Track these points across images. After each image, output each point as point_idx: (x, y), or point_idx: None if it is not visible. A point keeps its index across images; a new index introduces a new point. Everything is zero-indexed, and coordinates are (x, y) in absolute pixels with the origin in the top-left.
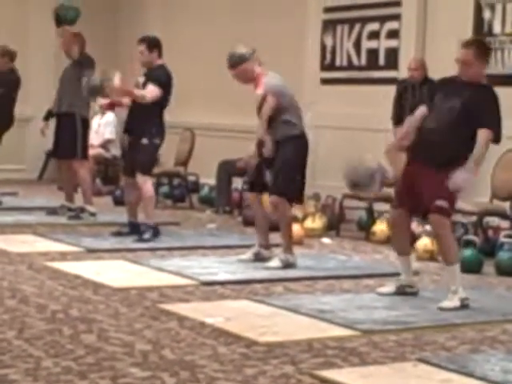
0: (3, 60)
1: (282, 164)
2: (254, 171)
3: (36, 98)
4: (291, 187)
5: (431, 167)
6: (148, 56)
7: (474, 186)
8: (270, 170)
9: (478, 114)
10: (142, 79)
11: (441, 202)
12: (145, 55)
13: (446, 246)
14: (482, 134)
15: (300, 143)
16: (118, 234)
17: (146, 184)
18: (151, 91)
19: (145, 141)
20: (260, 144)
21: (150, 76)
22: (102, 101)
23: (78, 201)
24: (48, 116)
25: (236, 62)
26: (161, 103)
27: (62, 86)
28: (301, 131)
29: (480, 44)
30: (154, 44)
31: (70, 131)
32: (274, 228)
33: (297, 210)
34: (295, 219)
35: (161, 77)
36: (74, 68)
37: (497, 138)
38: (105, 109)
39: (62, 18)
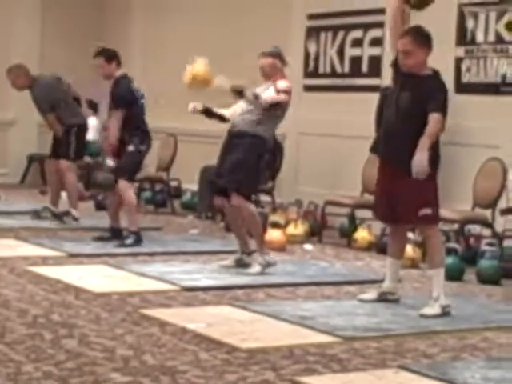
0: None
1: (234, 158)
2: (214, 176)
3: (18, 102)
4: (244, 183)
5: (397, 168)
6: (108, 69)
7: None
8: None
9: (426, 103)
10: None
11: (424, 211)
12: (104, 69)
13: (436, 250)
14: (432, 118)
15: (260, 142)
16: (100, 239)
17: (128, 191)
18: (117, 119)
19: (131, 148)
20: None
21: (113, 96)
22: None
23: (62, 206)
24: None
25: (273, 53)
26: (135, 115)
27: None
28: (271, 136)
29: (417, 32)
30: (110, 56)
31: (65, 135)
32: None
33: (279, 217)
34: (277, 225)
35: (123, 96)
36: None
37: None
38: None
39: None
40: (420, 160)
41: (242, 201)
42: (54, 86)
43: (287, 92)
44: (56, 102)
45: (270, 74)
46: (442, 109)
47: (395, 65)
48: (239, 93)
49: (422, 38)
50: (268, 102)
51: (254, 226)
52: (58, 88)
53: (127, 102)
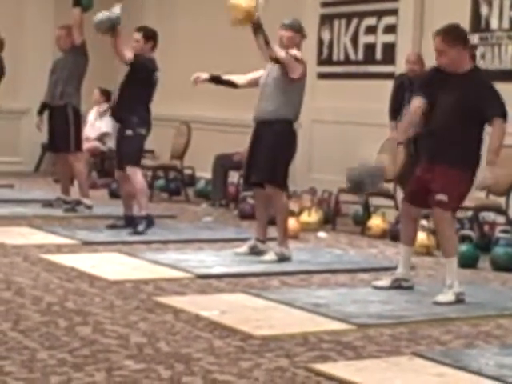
0: None
1: (268, 152)
2: (246, 167)
3: (31, 90)
4: (279, 175)
5: (443, 164)
6: (143, 46)
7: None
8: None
9: (481, 107)
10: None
11: (440, 196)
12: (140, 44)
13: (445, 238)
14: (495, 125)
15: (288, 129)
16: (114, 226)
17: (136, 175)
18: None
19: (129, 132)
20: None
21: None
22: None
23: (74, 194)
24: (42, 109)
25: (298, 28)
26: (145, 95)
27: (53, 76)
28: (294, 119)
29: (448, 30)
30: (150, 35)
31: (62, 124)
32: (270, 222)
33: (293, 204)
34: (291, 213)
35: (146, 66)
36: (66, 58)
37: (506, 120)
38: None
39: (80, 2)
40: (489, 177)
41: (276, 191)
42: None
43: (298, 60)
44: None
45: (287, 47)
46: (502, 109)
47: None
48: (257, 27)
49: (453, 36)
50: (277, 53)
51: (282, 217)
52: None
53: (148, 72)
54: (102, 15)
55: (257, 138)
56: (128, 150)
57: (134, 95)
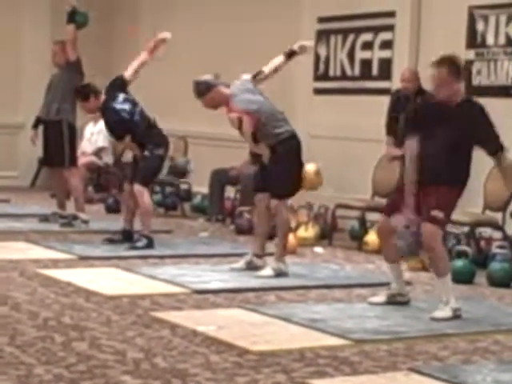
0: None
1: (277, 169)
2: (257, 176)
3: (28, 105)
4: (289, 190)
5: (432, 184)
6: (89, 105)
7: None
8: (266, 175)
9: (480, 143)
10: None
11: (435, 213)
12: (86, 106)
13: (437, 258)
14: (502, 160)
15: (291, 145)
16: (111, 240)
17: (143, 196)
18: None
19: (146, 153)
20: (257, 154)
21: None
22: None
23: (70, 208)
24: (37, 124)
25: (203, 90)
26: (136, 128)
27: (49, 92)
28: (289, 133)
29: (453, 61)
30: (86, 94)
31: (57, 139)
32: (268, 237)
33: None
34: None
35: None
36: (61, 74)
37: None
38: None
39: (74, 18)
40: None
41: (282, 206)
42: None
43: (248, 113)
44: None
45: (218, 105)
46: (498, 140)
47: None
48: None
49: (456, 68)
50: (249, 134)
51: (284, 232)
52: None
53: (124, 130)
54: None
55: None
56: (142, 168)
57: (134, 134)
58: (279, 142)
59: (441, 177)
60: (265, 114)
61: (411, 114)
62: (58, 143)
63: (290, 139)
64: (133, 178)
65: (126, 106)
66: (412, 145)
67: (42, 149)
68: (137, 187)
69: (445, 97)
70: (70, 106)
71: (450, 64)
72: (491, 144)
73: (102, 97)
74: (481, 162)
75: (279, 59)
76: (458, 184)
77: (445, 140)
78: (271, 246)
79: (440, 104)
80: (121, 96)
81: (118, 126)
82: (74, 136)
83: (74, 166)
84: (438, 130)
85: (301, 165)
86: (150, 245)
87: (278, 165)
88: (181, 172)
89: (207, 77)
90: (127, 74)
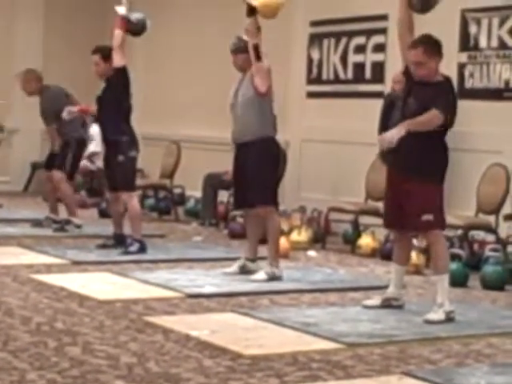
0: None
1: (253, 173)
2: (235, 191)
3: (21, 109)
4: (270, 193)
5: (407, 176)
6: (103, 66)
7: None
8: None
9: (430, 105)
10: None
11: (426, 217)
12: (100, 66)
13: (438, 256)
14: (430, 112)
15: (269, 145)
16: (104, 246)
17: (132, 200)
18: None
19: (121, 158)
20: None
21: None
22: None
23: (63, 213)
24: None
25: (241, 48)
26: (125, 110)
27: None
28: (272, 135)
29: (428, 41)
30: (109, 54)
31: (63, 147)
32: (261, 241)
33: (282, 223)
34: (281, 232)
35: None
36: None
37: (446, 123)
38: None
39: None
40: (392, 133)
41: (271, 211)
42: (62, 96)
43: (268, 72)
44: (61, 113)
45: (245, 69)
46: (444, 108)
47: (407, 73)
48: (251, 10)
49: (432, 48)
50: (259, 47)
51: (274, 237)
52: (64, 100)
53: (124, 85)
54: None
55: (241, 161)
56: (122, 176)
57: (118, 114)
58: (263, 140)
59: (422, 172)
60: (272, 105)
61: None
62: (63, 148)
63: (273, 140)
64: (113, 185)
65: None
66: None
67: (39, 153)
68: (125, 194)
69: (423, 76)
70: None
71: (425, 43)
72: (437, 104)
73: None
74: (473, 164)
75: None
76: (440, 181)
77: (412, 115)
78: (264, 250)
79: (416, 82)
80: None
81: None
82: (81, 148)
83: (73, 174)
84: (408, 102)
85: (275, 167)
86: (142, 249)
87: (254, 169)
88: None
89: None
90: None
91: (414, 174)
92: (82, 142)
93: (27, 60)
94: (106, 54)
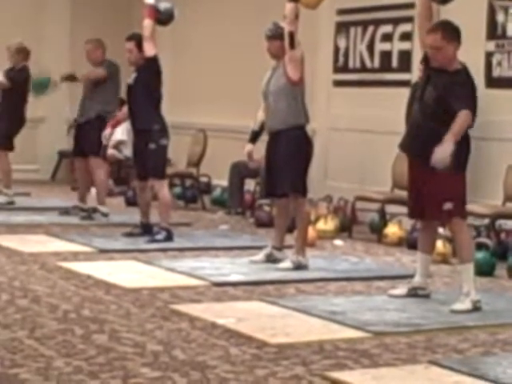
0: (19, 57)
1: (282, 162)
2: (264, 180)
3: (49, 98)
4: (300, 182)
5: (423, 163)
6: (137, 54)
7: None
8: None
9: (452, 100)
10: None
11: (447, 206)
12: (133, 53)
13: (462, 244)
14: (460, 114)
15: (299, 134)
16: (130, 234)
17: (163, 189)
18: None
19: (152, 146)
20: None
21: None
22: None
23: (91, 202)
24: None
25: (277, 35)
26: (156, 99)
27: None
28: (303, 125)
29: (446, 27)
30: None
31: (91, 129)
32: (287, 229)
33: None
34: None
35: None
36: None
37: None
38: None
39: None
40: (442, 151)
41: (299, 200)
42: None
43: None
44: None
45: (278, 57)
46: (469, 104)
47: (425, 60)
48: None
49: (450, 33)
50: (294, 34)
51: (304, 225)
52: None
53: (157, 74)
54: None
55: (272, 149)
56: (153, 164)
57: (150, 102)
58: (294, 128)
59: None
60: (304, 89)
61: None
62: (91, 132)
63: (303, 129)
64: (142, 174)
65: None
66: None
67: (66, 141)
68: (156, 183)
69: (441, 62)
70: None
71: (442, 29)
72: (459, 101)
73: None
74: (501, 153)
75: None
76: (462, 169)
77: (428, 107)
78: (291, 239)
79: (433, 68)
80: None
81: (153, 81)
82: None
83: (104, 158)
84: (423, 94)
85: (309, 160)
86: (169, 237)
87: (285, 157)
88: None
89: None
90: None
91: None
92: (103, 119)
93: (54, 50)
94: (141, 41)
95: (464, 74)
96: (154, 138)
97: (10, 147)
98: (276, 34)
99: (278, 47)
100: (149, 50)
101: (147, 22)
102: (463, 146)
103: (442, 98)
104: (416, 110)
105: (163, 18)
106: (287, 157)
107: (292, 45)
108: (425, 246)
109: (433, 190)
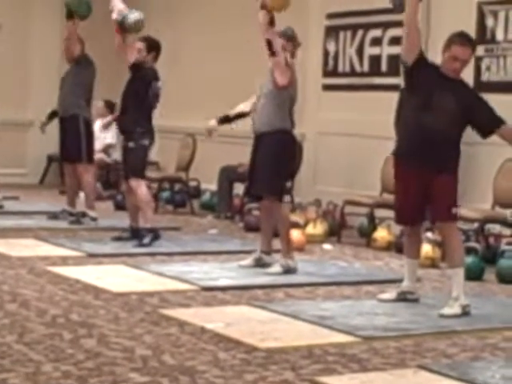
0: None
1: (263, 163)
2: (248, 180)
3: (37, 102)
4: (277, 185)
5: (433, 169)
6: (145, 55)
7: None
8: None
9: (482, 117)
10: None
11: (455, 210)
12: (142, 54)
13: (453, 248)
14: (506, 129)
15: (283, 138)
16: (119, 238)
17: (140, 188)
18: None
19: (131, 144)
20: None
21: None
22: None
23: (80, 206)
24: (52, 116)
25: (286, 34)
26: (147, 105)
27: (62, 88)
28: (288, 128)
29: (473, 41)
30: (153, 46)
31: (74, 135)
32: (275, 234)
33: (298, 216)
34: (297, 225)
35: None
36: (72, 69)
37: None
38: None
39: (73, 11)
40: None
41: (275, 203)
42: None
43: (287, 64)
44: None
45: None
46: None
47: (423, 60)
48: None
49: (474, 48)
50: (273, 40)
51: (283, 228)
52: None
53: (146, 82)
54: (137, 15)
55: (255, 150)
56: (131, 162)
57: (136, 106)
58: (277, 132)
59: (447, 163)
60: (293, 95)
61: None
62: (74, 139)
63: (288, 134)
64: (127, 174)
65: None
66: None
67: (56, 145)
68: (133, 181)
69: (456, 75)
70: (84, 101)
71: (473, 44)
72: (493, 120)
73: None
74: (491, 156)
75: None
76: (456, 170)
77: (445, 113)
78: (278, 243)
79: (445, 75)
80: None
81: (144, 84)
82: (90, 131)
83: (90, 161)
84: (438, 99)
85: (291, 164)
86: (155, 237)
87: (264, 159)
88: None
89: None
90: None
91: (446, 166)
92: (89, 123)
93: (43, 53)
94: (152, 44)
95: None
96: (134, 137)
97: None
98: (286, 34)
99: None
100: (130, 57)
101: (117, 38)
102: (459, 149)
103: (470, 109)
104: (425, 115)
105: (130, 30)
106: (266, 159)
107: (273, 52)
108: (411, 251)
109: (441, 194)
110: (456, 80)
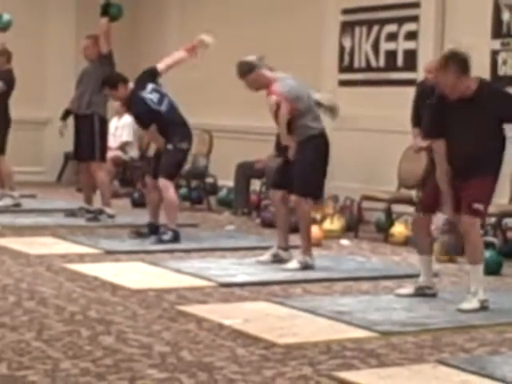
0: (2, 59)
1: (302, 165)
2: (278, 171)
3: (54, 100)
4: (312, 187)
5: (477, 177)
6: (117, 94)
7: None
8: (288, 172)
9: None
10: None
11: (478, 205)
12: (115, 96)
13: (473, 245)
14: None
15: (319, 143)
16: (137, 234)
17: (168, 190)
18: (152, 133)
19: (170, 146)
20: (284, 147)
21: (135, 117)
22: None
23: (97, 203)
24: (65, 116)
25: (245, 71)
26: (162, 120)
27: (80, 85)
28: (319, 131)
29: (457, 59)
30: (113, 82)
31: (88, 133)
32: (293, 229)
33: (315, 212)
34: (314, 221)
35: (143, 116)
36: (93, 67)
37: None
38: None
39: (108, 12)
40: None
41: (302, 201)
42: None
43: (287, 99)
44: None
45: (260, 87)
46: None
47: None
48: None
49: (459, 65)
50: (284, 122)
51: (306, 225)
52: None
53: (150, 119)
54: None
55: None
56: (166, 163)
57: (159, 126)
58: (308, 138)
59: (479, 169)
60: (304, 104)
61: (431, 113)
62: (89, 137)
63: (319, 137)
64: (156, 173)
65: (153, 96)
66: (439, 146)
67: (72, 143)
68: (162, 181)
69: (459, 95)
70: (102, 100)
71: (456, 63)
72: None
73: (131, 85)
74: (507, 152)
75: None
76: (495, 172)
77: (476, 130)
78: (297, 239)
79: (454, 101)
80: (150, 86)
81: (144, 115)
82: (105, 130)
83: (103, 160)
84: (462, 126)
85: (325, 164)
86: (175, 238)
87: (303, 162)
88: (200, 174)
89: (252, 58)
90: (159, 66)
91: (479, 172)
92: (105, 121)
93: (59, 52)
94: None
95: (489, 85)
96: (173, 140)
97: (3, 150)
98: (245, 71)
99: (253, 80)
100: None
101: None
102: (500, 150)
103: (494, 116)
104: (461, 143)
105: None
106: (303, 163)
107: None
108: (423, 247)
109: (468, 188)
110: (465, 98)
